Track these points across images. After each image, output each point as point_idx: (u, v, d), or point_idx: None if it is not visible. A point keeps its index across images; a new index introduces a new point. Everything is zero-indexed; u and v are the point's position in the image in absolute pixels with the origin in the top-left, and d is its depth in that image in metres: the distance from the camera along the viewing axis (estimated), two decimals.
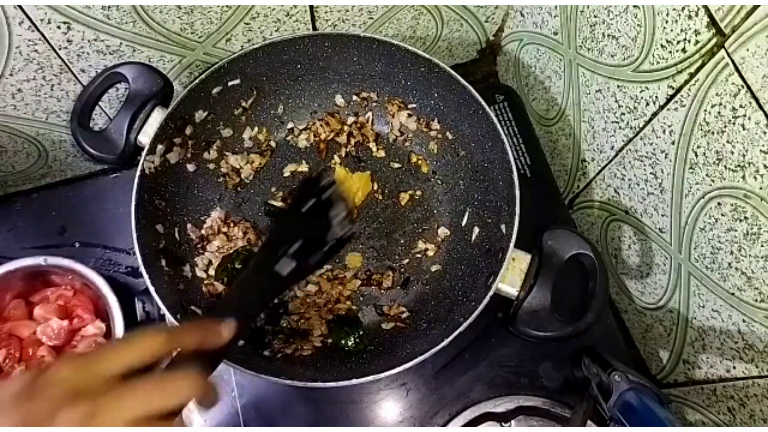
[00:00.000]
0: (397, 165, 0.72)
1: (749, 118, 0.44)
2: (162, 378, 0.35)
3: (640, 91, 0.56)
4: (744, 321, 0.52)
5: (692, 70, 0.49)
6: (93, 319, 0.64)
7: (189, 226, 0.65)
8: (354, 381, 0.52)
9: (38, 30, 0.59)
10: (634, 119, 0.59)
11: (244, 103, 0.69)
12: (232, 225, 0.68)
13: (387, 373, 0.52)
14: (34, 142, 0.72)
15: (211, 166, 0.68)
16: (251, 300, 0.46)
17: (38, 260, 0.62)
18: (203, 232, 0.66)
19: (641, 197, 0.62)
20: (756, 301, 0.50)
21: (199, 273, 0.64)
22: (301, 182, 0.58)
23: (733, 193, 0.49)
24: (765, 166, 0.44)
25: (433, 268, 0.67)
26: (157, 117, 0.61)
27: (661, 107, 0.54)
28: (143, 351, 0.35)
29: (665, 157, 0.56)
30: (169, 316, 0.54)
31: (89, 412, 0.31)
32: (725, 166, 0.48)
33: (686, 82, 0.50)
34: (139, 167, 0.59)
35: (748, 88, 0.43)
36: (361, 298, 0.66)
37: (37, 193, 0.74)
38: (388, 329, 0.64)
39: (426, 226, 0.69)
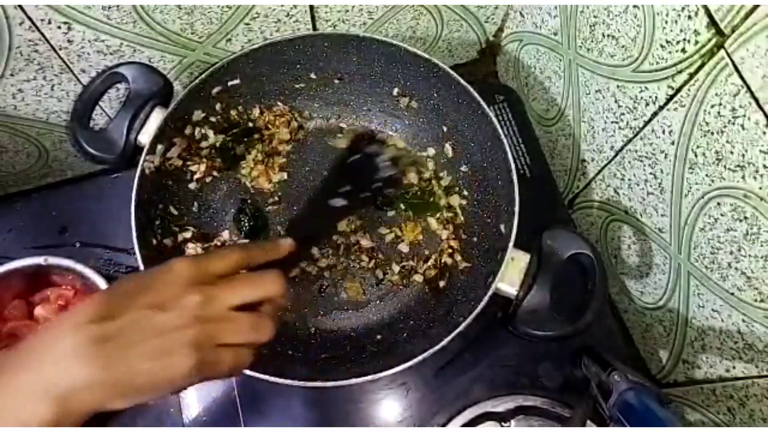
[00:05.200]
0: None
1: (749, 118, 0.44)
2: (255, 274, 0.42)
3: (640, 92, 0.56)
4: (744, 321, 0.52)
5: (692, 70, 0.49)
6: None
7: (189, 225, 0.66)
8: (354, 381, 0.52)
9: (39, 30, 0.59)
10: (634, 119, 0.59)
11: (243, 103, 0.69)
12: None
13: (387, 373, 0.52)
14: (34, 142, 0.72)
15: None
16: (307, 225, 0.56)
17: (38, 260, 0.62)
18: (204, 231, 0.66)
19: (641, 197, 0.62)
20: (756, 301, 0.50)
21: None
22: (350, 140, 0.68)
23: (732, 193, 0.49)
24: (764, 166, 0.44)
25: (433, 269, 0.67)
26: (157, 117, 0.61)
27: (661, 107, 0.54)
28: (234, 261, 0.41)
29: (665, 158, 0.56)
30: None
31: (209, 296, 0.38)
32: (725, 166, 0.49)
33: (686, 82, 0.50)
34: (139, 167, 0.59)
35: (748, 88, 0.43)
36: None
37: (37, 193, 0.74)
38: (388, 329, 0.64)
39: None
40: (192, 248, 0.64)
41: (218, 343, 0.38)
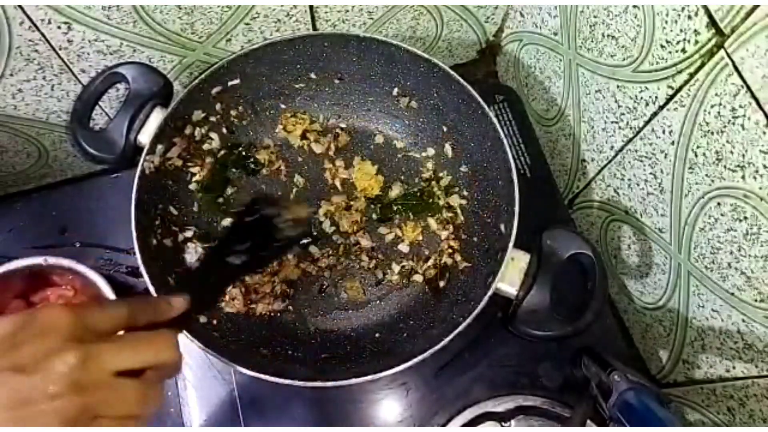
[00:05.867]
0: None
1: (749, 118, 0.44)
2: (145, 335, 0.37)
3: (640, 92, 0.56)
4: (743, 321, 0.52)
5: (692, 70, 0.49)
6: None
7: (189, 225, 0.65)
8: (354, 381, 0.52)
9: (38, 30, 0.59)
10: (634, 119, 0.59)
11: (243, 103, 0.69)
12: None
13: (387, 373, 0.52)
14: (34, 142, 0.72)
15: None
16: (205, 283, 0.51)
17: (38, 260, 0.62)
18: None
19: (641, 197, 0.62)
20: (755, 301, 0.50)
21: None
22: (251, 199, 0.63)
23: (732, 193, 0.49)
24: (764, 166, 0.44)
25: (433, 269, 0.67)
26: (157, 117, 0.61)
27: (661, 107, 0.54)
28: (119, 317, 0.36)
29: (665, 157, 0.56)
30: None
31: (87, 356, 0.32)
32: (725, 166, 0.49)
33: (686, 82, 0.50)
34: (139, 167, 0.59)
35: (748, 88, 0.43)
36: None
37: (37, 193, 0.74)
38: (388, 329, 0.64)
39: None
40: (192, 248, 0.64)
41: (95, 416, 0.32)
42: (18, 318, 0.33)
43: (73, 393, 0.31)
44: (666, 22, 0.50)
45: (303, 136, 0.72)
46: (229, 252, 0.54)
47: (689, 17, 0.47)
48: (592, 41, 0.61)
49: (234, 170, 0.69)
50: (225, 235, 0.62)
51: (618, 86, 0.59)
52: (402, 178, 0.71)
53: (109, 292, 0.61)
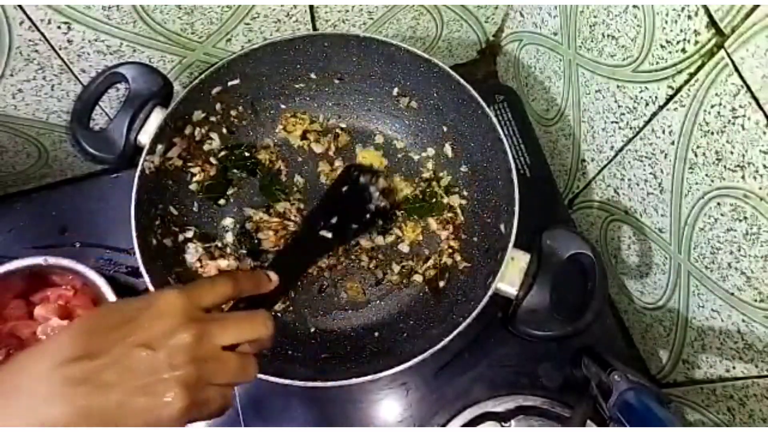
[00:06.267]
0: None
1: (749, 118, 0.44)
2: (247, 314, 0.41)
3: (640, 92, 0.56)
4: (743, 321, 0.52)
5: (692, 70, 0.49)
6: None
7: (189, 225, 0.65)
8: (354, 381, 0.52)
9: (38, 30, 0.59)
10: (634, 119, 0.59)
11: (243, 103, 0.69)
12: None
13: (386, 373, 0.52)
14: (34, 142, 0.72)
15: None
16: (294, 260, 0.53)
17: (38, 260, 0.62)
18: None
19: (641, 197, 0.62)
20: (755, 301, 0.50)
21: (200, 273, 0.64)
22: (342, 170, 0.66)
23: (732, 193, 0.49)
24: (764, 166, 0.44)
25: (433, 269, 0.67)
26: (157, 117, 0.61)
27: (661, 107, 0.54)
28: (220, 291, 0.40)
29: (665, 157, 0.56)
30: None
31: (200, 334, 0.36)
32: (725, 166, 0.49)
33: (686, 82, 0.50)
34: (139, 167, 0.59)
35: (748, 88, 0.43)
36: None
37: (37, 193, 0.74)
38: (388, 329, 0.64)
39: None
40: (193, 248, 0.64)
41: (207, 383, 0.37)
42: (139, 303, 0.37)
43: (191, 365, 0.35)
44: (666, 22, 0.50)
45: (303, 136, 0.72)
46: (320, 225, 0.55)
47: (689, 17, 0.47)
48: (592, 41, 0.61)
49: (234, 170, 0.69)
50: (317, 206, 0.62)
51: (618, 86, 0.59)
52: (402, 178, 0.71)
53: (109, 292, 0.61)
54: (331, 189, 0.62)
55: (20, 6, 0.56)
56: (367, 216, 0.61)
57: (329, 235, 0.55)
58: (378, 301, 0.67)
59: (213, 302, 0.40)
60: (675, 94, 0.52)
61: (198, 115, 0.65)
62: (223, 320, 0.39)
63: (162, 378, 0.35)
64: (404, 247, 0.69)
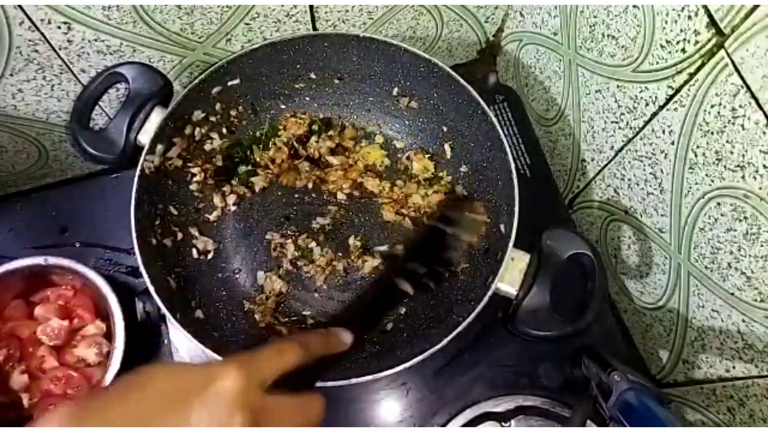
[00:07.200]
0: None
1: (749, 118, 0.44)
2: (302, 399, 0.38)
3: (640, 92, 0.56)
4: (743, 321, 0.52)
5: (692, 70, 0.49)
6: (93, 319, 0.64)
7: (189, 225, 0.65)
8: (354, 380, 0.52)
9: (38, 30, 0.59)
10: (634, 119, 0.59)
11: (243, 103, 0.69)
12: None
13: (387, 373, 0.52)
14: (34, 142, 0.72)
15: None
16: (369, 310, 0.49)
17: (38, 260, 0.62)
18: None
19: (641, 197, 0.62)
20: (755, 301, 0.50)
21: None
22: (444, 209, 0.61)
23: (732, 193, 0.49)
24: (764, 166, 0.44)
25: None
26: (157, 117, 0.61)
27: (661, 107, 0.54)
28: (288, 360, 0.37)
29: (665, 157, 0.56)
30: (169, 317, 0.54)
31: (253, 421, 0.33)
32: (725, 166, 0.49)
33: (686, 82, 0.50)
34: (139, 167, 0.59)
35: (748, 88, 0.43)
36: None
37: (37, 193, 0.74)
38: (388, 329, 0.64)
39: None
40: (193, 248, 0.64)
41: None
42: (192, 374, 0.33)
43: None
44: (666, 22, 0.50)
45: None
46: (401, 273, 0.50)
47: (689, 17, 0.47)
48: (592, 41, 0.61)
49: (234, 171, 0.69)
50: (402, 255, 0.58)
51: (618, 86, 0.59)
52: (403, 178, 0.71)
53: (109, 292, 0.61)
54: (423, 234, 0.57)
55: (20, 6, 0.56)
56: (435, 264, 0.55)
57: (411, 290, 0.50)
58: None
59: (278, 374, 0.36)
60: (675, 94, 0.52)
61: (198, 115, 0.65)
62: (278, 410, 0.36)
63: None
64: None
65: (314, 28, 0.71)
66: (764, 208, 0.46)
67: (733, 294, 0.53)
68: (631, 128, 0.60)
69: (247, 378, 0.34)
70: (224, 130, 0.69)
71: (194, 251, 0.65)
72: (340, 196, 0.69)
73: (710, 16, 0.45)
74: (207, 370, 0.34)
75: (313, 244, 0.68)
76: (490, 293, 0.55)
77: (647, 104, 0.56)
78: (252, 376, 0.34)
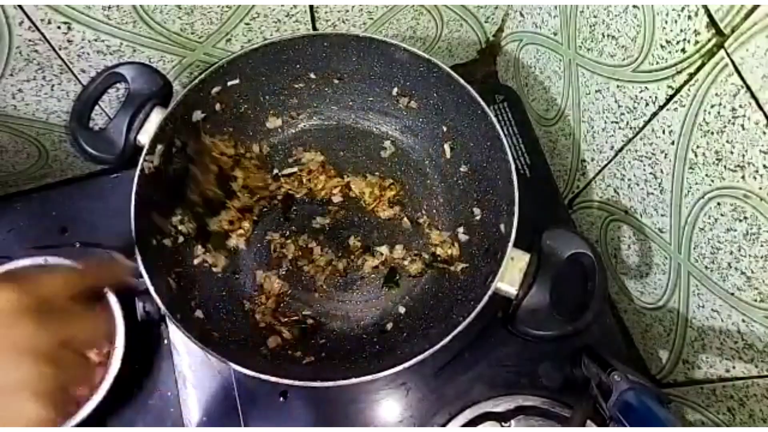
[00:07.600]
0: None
1: (749, 118, 0.44)
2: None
3: (640, 92, 0.56)
4: (743, 321, 0.52)
5: (692, 70, 0.49)
6: None
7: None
8: (354, 380, 0.52)
9: (38, 30, 0.59)
10: (634, 119, 0.59)
11: (243, 103, 0.69)
12: None
13: (386, 373, 0.52)
14: (34, 142, 0.72)
15: None
16: None
17: (38, 260, 0.62)
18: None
19: (641, 197, 0.62)
20: (755, 301, 0.50)
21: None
22: None
23: (732, 193, 0.49)
24: (764, 166, 0.44)
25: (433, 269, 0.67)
26: (157, 117, 0.61)
27: (661, 107, 0.54)
28: (62, 281, 0.38)
29: (665, 157, 0.56)
30: (169, 317, 0.54)
31: (39, 322, 0.34)
32: (725, 166, 0.49)
33: (686, 82, 0.50)
34: (139, 167, 0.59)
35: (748, 88, 0.43)
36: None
37: (37, 193, 0.74)
38: (387, 329, 0.64)
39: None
40: (192, 248, 0.64)
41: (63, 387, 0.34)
42: None
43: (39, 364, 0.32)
44: (666, 22, 0.50)
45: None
46: None
47: (689, 17, 0.47)
48: (592, 41, 0.61)
49: (234, 171, 0.69)
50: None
51: (618, 86, 0.59)
52: (402, 178, 0.71)
53: (109, 292, 0.61)
54: None
55: (20, 6, 0.56)
56: None
57: None
58: (377, 301, 0.67)
59: (54, 291, 0.36)
60: (675, 94, 0.52)
61: (198, 115, 0.65)
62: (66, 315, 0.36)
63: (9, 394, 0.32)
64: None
65: (314, 28, 0.71)
66: (764, 208, 0.46)
67: (733, 294, 0.53)
68: (631, 128, 0.60)
69: (18, 292, 0.34)
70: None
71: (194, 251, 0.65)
72: (336, 199, 0.70)
73: (710, 16, 0.45)
74: None
75: (313, 244, 0.68)
76: (489, 293, 0.55)
77: (647, 104, 0.56)
78: (25, 289, 0.35)
